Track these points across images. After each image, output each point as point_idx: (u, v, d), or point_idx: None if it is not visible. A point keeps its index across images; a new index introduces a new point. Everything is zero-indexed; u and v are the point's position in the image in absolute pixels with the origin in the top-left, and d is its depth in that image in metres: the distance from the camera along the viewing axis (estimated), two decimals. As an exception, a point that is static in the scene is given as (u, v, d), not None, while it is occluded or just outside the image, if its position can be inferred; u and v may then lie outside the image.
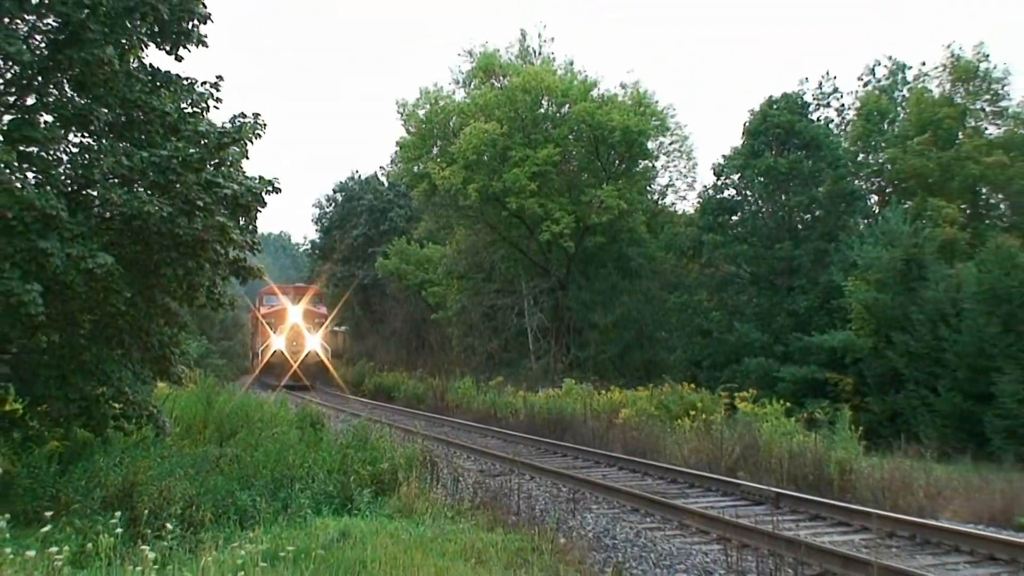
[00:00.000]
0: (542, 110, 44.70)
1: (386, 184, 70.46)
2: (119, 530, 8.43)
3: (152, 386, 16.18)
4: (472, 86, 48.40)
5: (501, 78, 46.95)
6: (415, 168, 47.94)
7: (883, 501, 15.51)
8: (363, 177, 74.27)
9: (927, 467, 17.72)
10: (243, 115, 14.05)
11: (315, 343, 53.90)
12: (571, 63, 47.52)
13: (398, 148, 52.78)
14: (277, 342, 52.45)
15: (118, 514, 9.04)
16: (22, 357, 13.61)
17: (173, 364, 15.29)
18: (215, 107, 14.24)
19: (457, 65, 51.01)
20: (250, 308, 62.47)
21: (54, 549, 7.34)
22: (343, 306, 62.68)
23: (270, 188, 13.96)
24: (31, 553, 7.20)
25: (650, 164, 48.01)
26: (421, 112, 47.42)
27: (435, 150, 46.98)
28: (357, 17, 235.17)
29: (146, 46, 13.45)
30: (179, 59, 13.96)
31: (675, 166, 49.75)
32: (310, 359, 53.61)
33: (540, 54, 49.65)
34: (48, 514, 8.60)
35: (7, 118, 12.64)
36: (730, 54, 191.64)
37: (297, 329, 53.52)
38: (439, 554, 9.45)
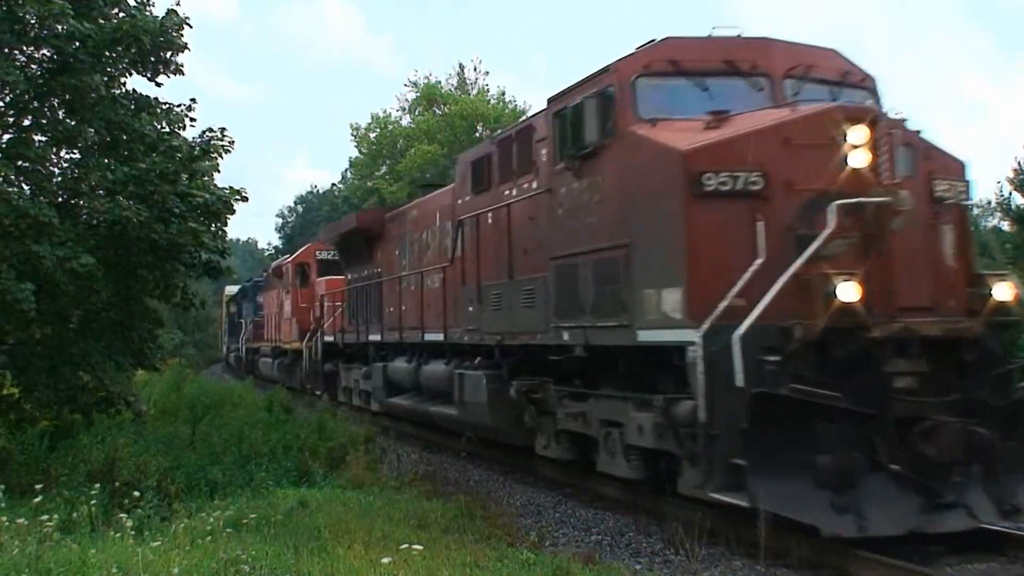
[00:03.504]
0: (477, 134, 44.74)
1: (340, 198, 70.08)
2: (102, 500, 8.36)
3: (131, 374, 16.06)
4: (416, 113, 48.31)
5: (442, 106, 46.91)
6: (366, 184, 47.80)
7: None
8: (320, 191, 73.94)
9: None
10: (211, 130, 13.90)
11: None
12: (503, 93, 47.65)
13: (351, 166, 52.53)
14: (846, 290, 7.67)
15: (100, 486, 8.97)
16: (18, 348, 13.44)
17: (150, 356, 15.15)
18: (190, 126, 14.08)
19: (403, 94, 50.85)
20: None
21: (44, 517, 7.24)
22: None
23: (238, 197, 13.90)
24: (23, 521, 7.13)
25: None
26: (372, 135, 47.33)
27: (384, 168, 46.84)
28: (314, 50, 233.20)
29: (129, 74, 13.31)
30: (158, 85, 13.80)
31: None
32: None
33: (476, 85, 49.72)
34: (39, 486, 8.51)
35: (6, 137, 12.59)
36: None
37: None
38: (386, 520, 9.44)
